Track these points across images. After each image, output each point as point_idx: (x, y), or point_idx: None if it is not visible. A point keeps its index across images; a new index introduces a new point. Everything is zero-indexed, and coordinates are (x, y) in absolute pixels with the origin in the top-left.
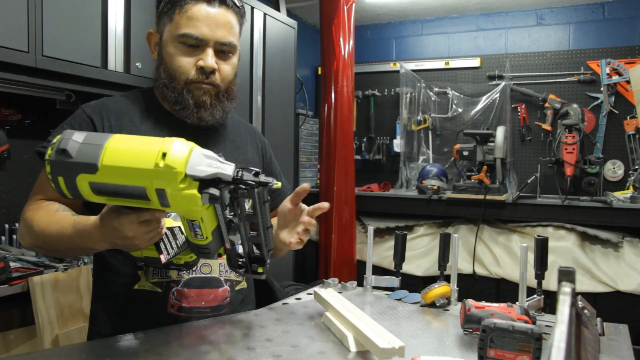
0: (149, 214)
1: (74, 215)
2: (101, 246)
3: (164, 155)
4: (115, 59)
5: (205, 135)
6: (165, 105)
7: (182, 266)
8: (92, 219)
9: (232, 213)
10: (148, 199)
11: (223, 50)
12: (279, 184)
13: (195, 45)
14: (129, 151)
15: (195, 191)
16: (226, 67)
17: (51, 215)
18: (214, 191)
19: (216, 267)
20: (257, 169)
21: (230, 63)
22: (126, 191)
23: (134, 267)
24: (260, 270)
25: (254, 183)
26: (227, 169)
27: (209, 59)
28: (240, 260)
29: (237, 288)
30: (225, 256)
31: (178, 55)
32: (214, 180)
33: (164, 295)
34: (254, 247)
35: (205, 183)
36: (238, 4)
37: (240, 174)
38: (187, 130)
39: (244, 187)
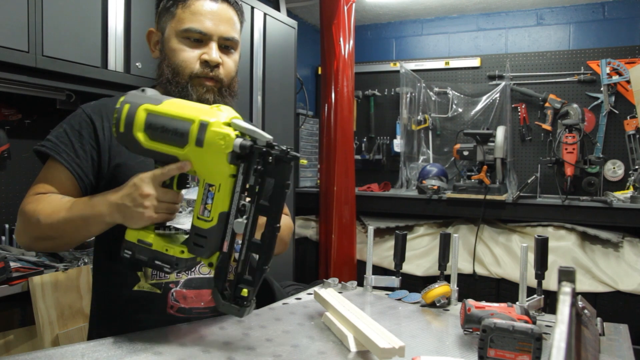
0: (176, 167)
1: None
2: (110, 214)
3: (217, 107)
4: (116, 59)
5: None
6: None
7: (168, 261)
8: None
9: (248, 198)
10: (186, 142)
11: (226, 46)
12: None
13: (199, 39)
14: (189, 104)
15: (231, 131)
16: (229, 62)
17: (57, 201)
18: (247, 141)
19: None
20: (289, 147)
21: (232, 58)
22: (173, 126)
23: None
24: (244, 292)
25: (286, 149)
26: (264, 135)
27: (213, 52)
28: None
29: None
30: (213, 270)
31: (182, 49)
32: (251, 140)
33: (163, 296)
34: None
35: (242, 137)
36: (238, 2)
37: (274, 143)
38: None
39: (273, 153)
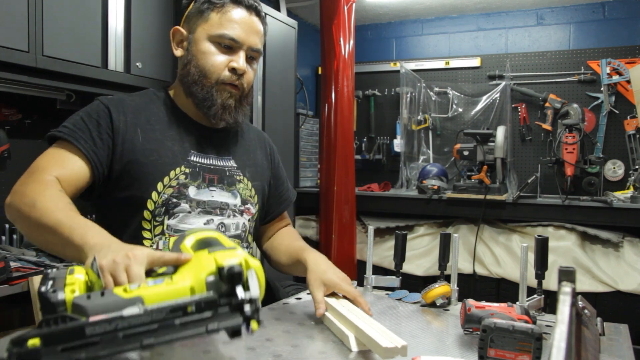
0: (175, 257)
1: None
2: (87, 241)
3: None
4: (116, 59)
5: (218, 137)
6: (186, 106)
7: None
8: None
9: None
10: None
11: (252, 57)
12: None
13: (229, 46)
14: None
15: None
16: (251, 72)
17: (63, 201)
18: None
19: None
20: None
21: (254, 69)
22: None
23: None
24: None
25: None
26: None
27: (242, 61)
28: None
29: None
30: None
31: (212, 53)
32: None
33: None
34: None
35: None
36: (264, 16)
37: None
38: (203, 133)
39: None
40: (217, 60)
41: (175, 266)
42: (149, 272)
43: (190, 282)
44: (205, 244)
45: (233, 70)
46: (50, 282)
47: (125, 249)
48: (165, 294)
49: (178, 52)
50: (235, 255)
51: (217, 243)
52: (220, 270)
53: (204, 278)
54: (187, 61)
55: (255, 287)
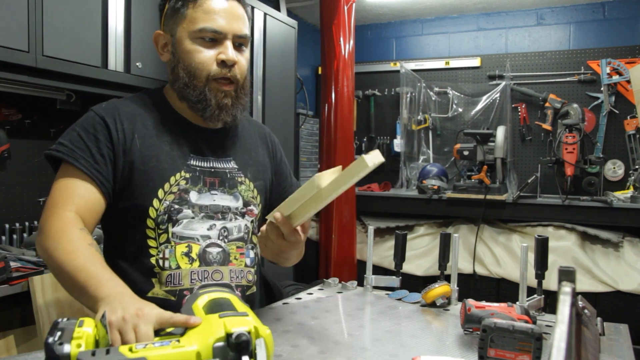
0: (184, 320)
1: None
2: (100, 292)
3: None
4: (116, 59)
5: (217, 138)
6: (181, 108)
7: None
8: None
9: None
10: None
11: (240, 44)
12: None
13: (214, 39)
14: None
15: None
16: (243, 60)
17: (82, 246)
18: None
19: (227, 273)
20: None
21: (245, 56)
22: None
23: (148, 274)
24: None
25: None
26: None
27: (230, 51)
28: None
29: (247, 293)
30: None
31: (197, 51)
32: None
33: (177, 303)
34: None
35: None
36: None
37: None
38: (201, 134)
39: None
40: (204, 57)
41: (185, 327)
42: (157, 331)
43: (197, 346)
44: (217, 307)
45: (222, 63)
46: (58, 334)
47: (136, 305)
48: (170, 357)
49: (164, 57)
50: (245, 323)
51: (229, 306)
52: (228, 337)
53: (212, 344)
54: (174, 65)
55: (263, 358)
